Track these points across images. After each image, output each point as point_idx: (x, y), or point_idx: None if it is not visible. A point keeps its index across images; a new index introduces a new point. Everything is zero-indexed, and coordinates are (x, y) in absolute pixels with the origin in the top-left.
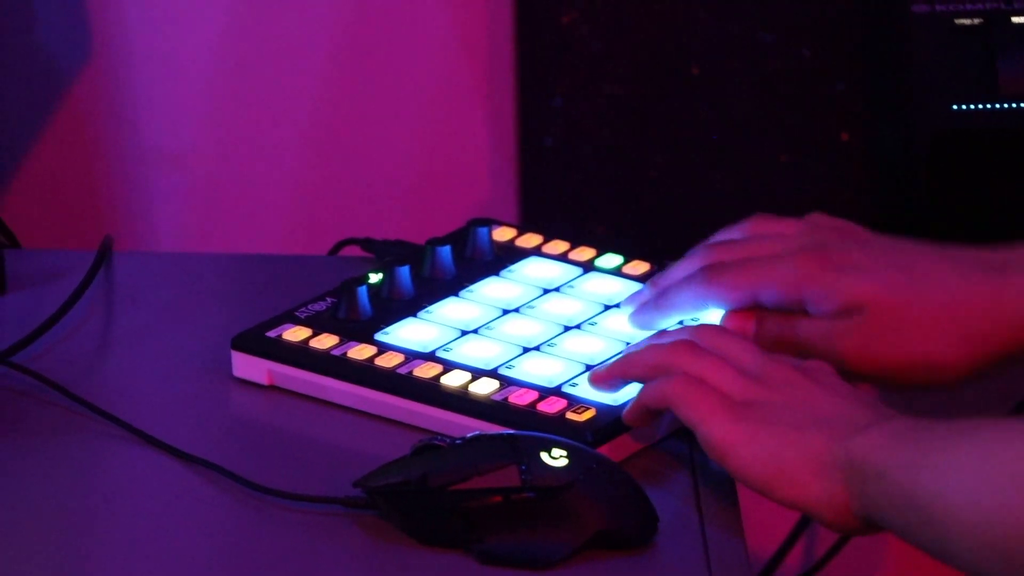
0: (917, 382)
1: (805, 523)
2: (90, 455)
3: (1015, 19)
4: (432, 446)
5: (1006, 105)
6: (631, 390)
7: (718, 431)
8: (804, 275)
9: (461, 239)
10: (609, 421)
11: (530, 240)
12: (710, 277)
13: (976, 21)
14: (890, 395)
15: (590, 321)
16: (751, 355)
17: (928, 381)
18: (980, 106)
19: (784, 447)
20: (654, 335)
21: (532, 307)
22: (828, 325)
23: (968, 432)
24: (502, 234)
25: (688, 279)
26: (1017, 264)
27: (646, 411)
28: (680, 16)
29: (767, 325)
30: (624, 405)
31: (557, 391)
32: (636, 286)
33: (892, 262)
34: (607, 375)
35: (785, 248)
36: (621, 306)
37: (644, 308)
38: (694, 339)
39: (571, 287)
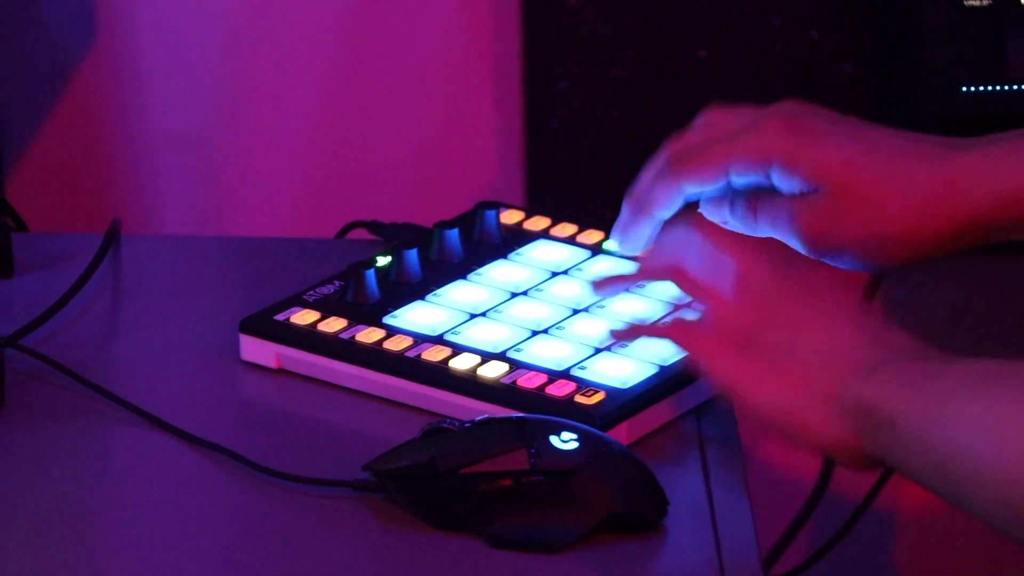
0: (876, 260)
1: (813, 505)
2: (98, 438)
3: None
4: (441, 429)
5: (1015, 87)
6: (641, 372)
7: (725, 372)
8: (770, 141)
9: (469, 222)
10: (618, 404)
11: (538, 223)
12: (678, 164)
13: (985, 2)
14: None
15: (598, 304)
16: (753, 262)
17: (886, 258)
18: (988, 88)
19: (794, 391)
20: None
21: (540, 290)
22: (791, 204)
23: (984, 378)
24: (510, 217)
25: (657, 176)
26: (979, 145)
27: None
28: None
29: (735, 211)
30: (633, 388)
31: (566, 374)
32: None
33: (855, 135)
34: (613, 281)
35: (750, 123)
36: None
37: (624, 221)
38: (697, 232)
39: (579, 270)
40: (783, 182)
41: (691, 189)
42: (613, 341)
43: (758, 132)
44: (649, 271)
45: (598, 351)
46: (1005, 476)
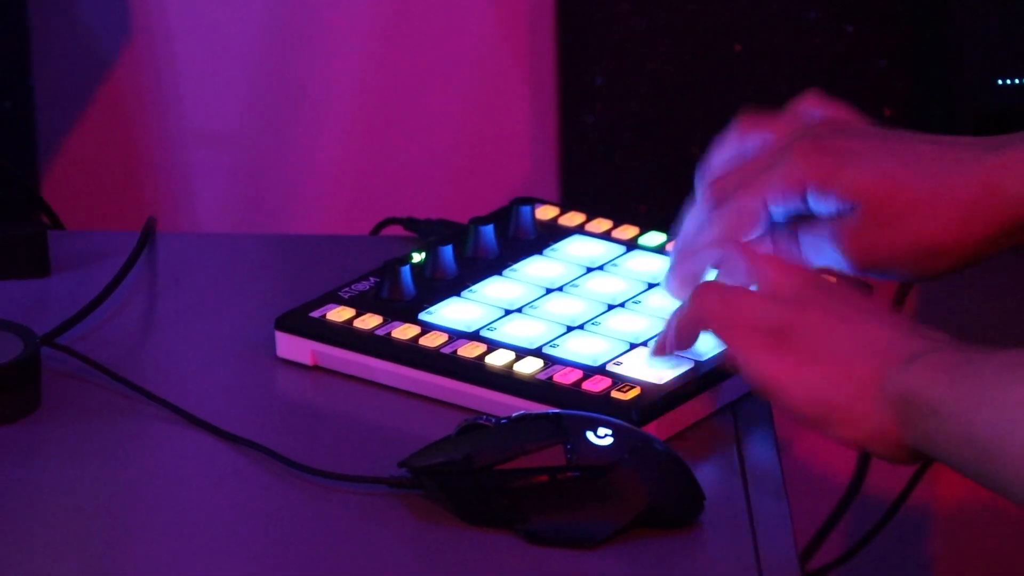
0: (924, 271)
1: (849, 501)
2: (135, 436)
3: None
4: (477, 426)
5: None
6: (677, 367)
7: (764, 368)
8: (801, 168)
9: (504, 218)
10: (654, 399)
11: (573, 219)
12: (719, 216)
13: None
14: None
15: (634, 299)
16: (782, 273)
17: (934, 268)
18: None
19: (835, 386)
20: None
21: (576, 286)
22: (832, 227)
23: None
24: (545, 213)
25: (700, 228)
26: (1013, 143)
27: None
28: None
29: (779, 242)
30: (669, 383)
31: (602, 370)
32: None
33: (887, 148)
34: (660, 352)
35: (779, 152)
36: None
37: (673, 273)
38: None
39: (615, 265)
40: (820, 205)
41: (734, 235)
42: (657, 354)
43: (788, 162)
44: (682, 339)
45: (633, 346)
46: None
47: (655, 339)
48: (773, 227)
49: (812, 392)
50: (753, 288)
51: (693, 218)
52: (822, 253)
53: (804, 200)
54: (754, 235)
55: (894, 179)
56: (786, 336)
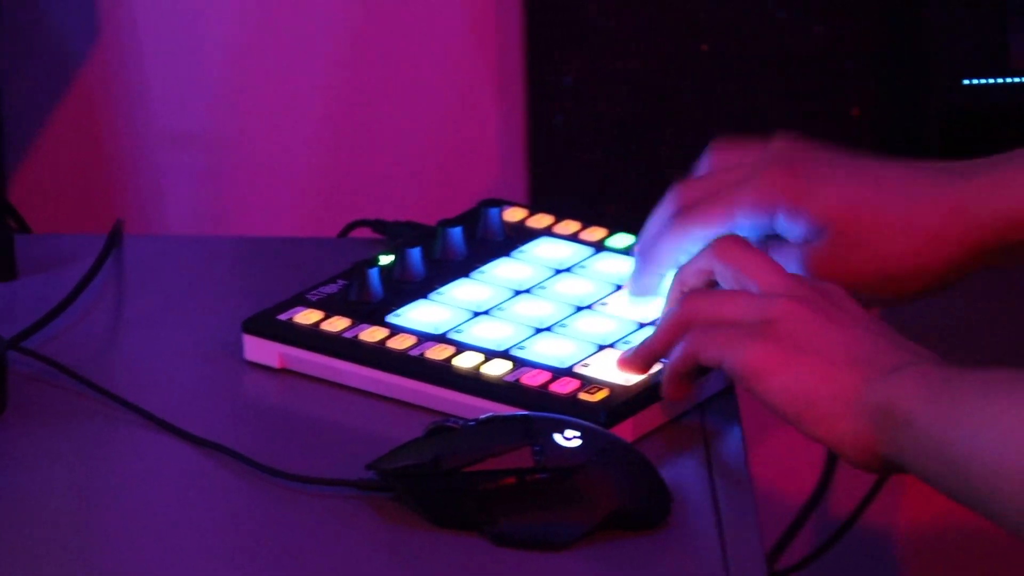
0: (890, 295)
1: (815, 502)
2: (102, 440)
3: None
4: (445, 428)
5: (1017, 80)
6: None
7: (746, 354)
8: (774, 188)
9: (472, 220)
10: (622, 401)
11: (541, 220)
12: (684, 219)
13: None
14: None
15: (601, 301)
16: (774, 274)
17: (900, 293)
18: (991, 81)
19: (816, 381)
20: (675, 281)
21: (544, 288)
22: (800, 251)
23: (1004, 384)
24: (513, 215)
25: (663, 230)
26: (982, 169)
27: (680, 377)
28: None
29: None
30: (637, 385)
31: (569, 371)
32: None
33: (857, 173)
34: (635, 359)
35: (752, 170)
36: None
37: (635, 275)
38: (715, 260)
39: (582, 267)
40: (789, 227)
41: (698, 241)
42: (625, 370)
43: (760, 181)
44: (665, 343)
45: (601, 348)
46: (1020, 476)
47: (634, 348)
48: None
49: (792, 384)
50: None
51: (657, 220)
52: None
53: (771, 220)
54: None
55: (863, 203)
56: (773, 327)
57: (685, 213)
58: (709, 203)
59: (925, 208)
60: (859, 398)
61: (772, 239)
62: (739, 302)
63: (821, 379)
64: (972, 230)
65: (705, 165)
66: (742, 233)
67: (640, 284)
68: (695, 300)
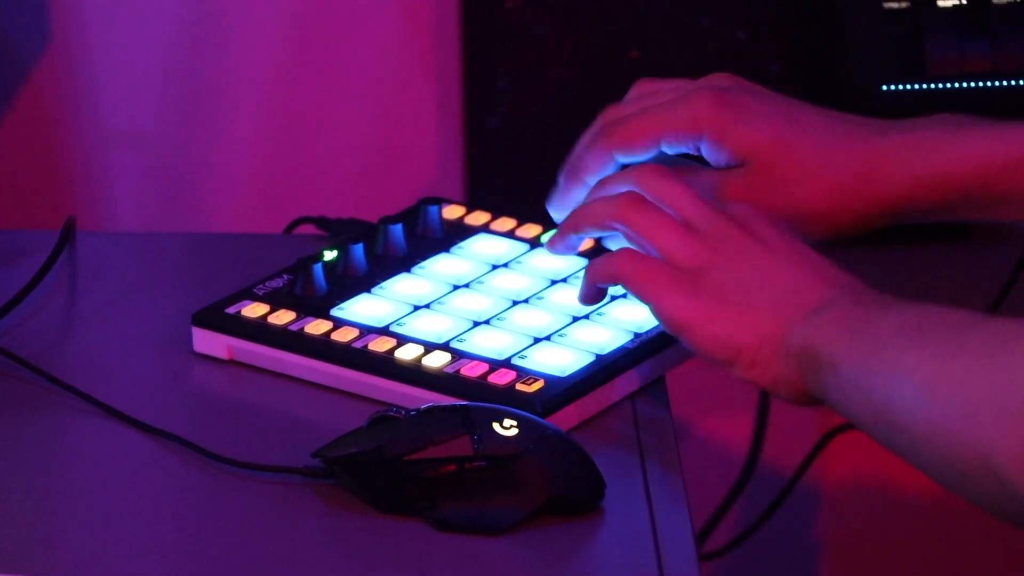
0: (800, 234)
1: (741, 487)
2: (56, 428)
3: (941, 3)
4: (388, 417)
5: (934, 86)
6: (578, 360)
7: (674, 308)
8: (702, 113)
9: (412, 217)
10: (557, 392)
11: (478, 218)
12: (611, 133)
13: (904, 5)
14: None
15: (537, 295)
16: (694, 205)
17: (808, 234)
18: (909, 87)
19: (741, 328)
20: (597, 188)
21: (481, 282)
22: (716, 178)
23: (920, 330)
24: (452, 212)
25: (591, 142)
26: (898, 128)
27: (596, 290)
28: (621, 2)
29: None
30: (571, 376)
31: (507, 363)
32: (581, 261)
33: (785, 114)
34: (560, 236)
35: (683, 93)
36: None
37: (558, 188)
38: (637, 187)
39: (518, 263)
40: (711, 155)
41: (622, 157)
42: (553, 250)
43: (689, 104)
44: (593, 218)
45: (537, 341)
46: (937, 428)
47: (561, 225)
48: (659, 162)
49: (719, 334)
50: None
51: (584, 139)
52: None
53: (694, 144)
54: (639, 160)
55: (784, 144)
56: (696, 277)
57: (611, 130)
58: (635, 122)
59: (841, 159)
60: (782, 344)
61: (689, 161)
62: (669, 233)
63: (747, 327)
64: (884, 186)
65: (633, 94)
66: (666, 152)
67: (561, 199)
68: (634, 200)
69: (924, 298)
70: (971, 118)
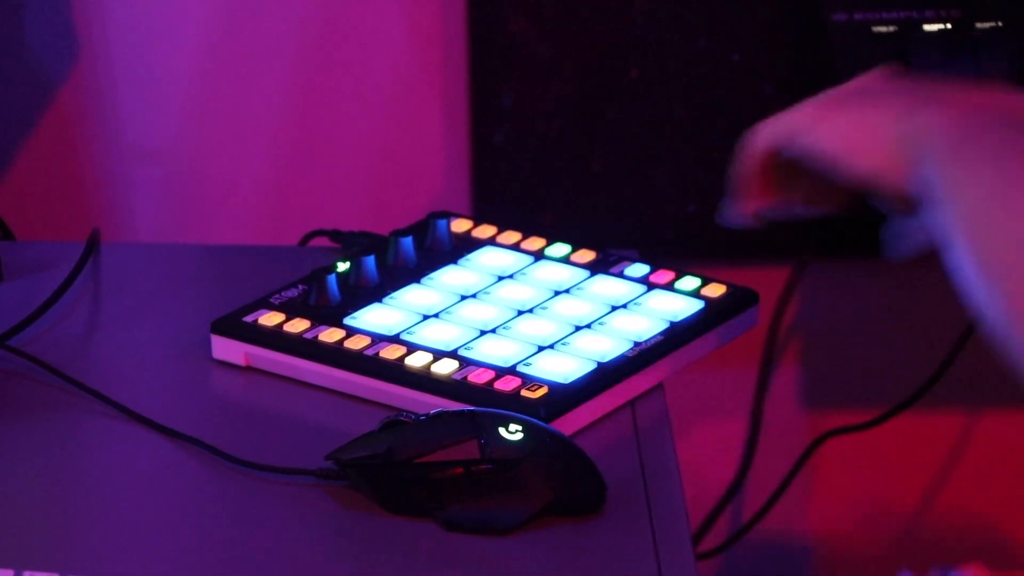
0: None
1: (736, 489)
2: (80, 431)
3: (926, 27)
4: (398, 422)
5: None
6: (581, 368)
7: (796, 114)
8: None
9: (422, 230)
10: (561, 397)
11: (485, 231)
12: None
13: (891, 28)
14: None
15: (541, 305)
16: None
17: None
18: None
19: (855, 120)
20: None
21: (488, 293)
22: None
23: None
24: (459, 225)
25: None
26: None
27: (755, 174)
28: (621, 23)
29: None
30: (574, 383)
31: (512, 370)
32: (583, 273)
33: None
34: (740, 193)
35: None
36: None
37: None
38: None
39: (523, 274)
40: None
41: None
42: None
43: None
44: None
45: (541, 349)
46: (982, 244)
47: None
48: None
49: (837, 127)
50: None
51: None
52: None
53: None
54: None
55: None
56: (820, 96)
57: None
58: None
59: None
60: (894, 132)
61: None
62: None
63: (862, 119)
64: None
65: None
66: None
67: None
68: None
69: (916, 307)
70: None
